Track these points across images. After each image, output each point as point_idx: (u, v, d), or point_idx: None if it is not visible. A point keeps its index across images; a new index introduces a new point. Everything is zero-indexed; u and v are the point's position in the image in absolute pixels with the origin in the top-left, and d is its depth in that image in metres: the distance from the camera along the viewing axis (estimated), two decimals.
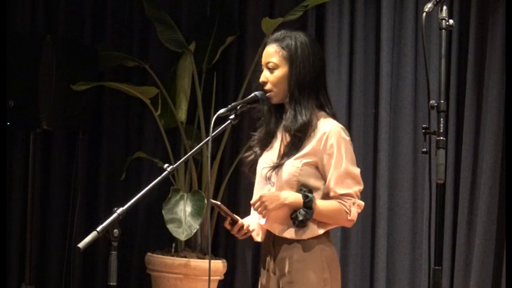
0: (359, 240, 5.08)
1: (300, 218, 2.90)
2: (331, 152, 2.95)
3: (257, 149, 3.11)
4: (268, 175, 3.02)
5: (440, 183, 2.61)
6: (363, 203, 3.00)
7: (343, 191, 2.95)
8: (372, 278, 5.05)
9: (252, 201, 2.96)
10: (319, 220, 2.95)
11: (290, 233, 2.98)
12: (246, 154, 3.17)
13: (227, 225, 3.03)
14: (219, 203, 2.98)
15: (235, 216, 3.03)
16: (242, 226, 3.03)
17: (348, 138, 3.01)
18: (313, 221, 2.96)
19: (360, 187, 2.99)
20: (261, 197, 2.92)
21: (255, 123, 3.16)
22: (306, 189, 2.93)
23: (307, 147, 2.98)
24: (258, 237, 3.09)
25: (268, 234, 3.05)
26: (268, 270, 3.06)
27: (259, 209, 2.92)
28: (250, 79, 4.68)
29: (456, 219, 4.89)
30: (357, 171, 2.99)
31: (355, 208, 2.96)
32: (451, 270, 4.86)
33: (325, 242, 3.01)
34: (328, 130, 2.97)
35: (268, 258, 3.06)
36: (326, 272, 2.99)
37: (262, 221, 3.01)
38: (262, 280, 3.10)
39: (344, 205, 2.94)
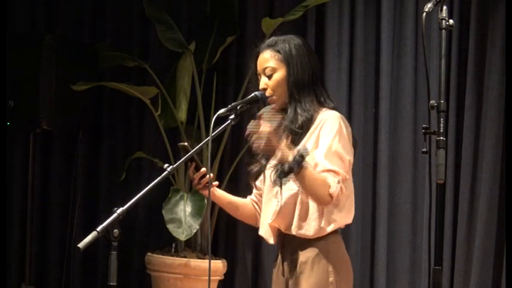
0: (359, 240, 5.08)
1: (286, 168, 2.78)
2: (326, 132, 2.93)
3: (263, 160, 3.09)
4: (274, 177, 3.01)
5: (440, 183, 2.61)
6: (345, 190, 2.91)
7: (330, 166, 2.87)
8: (372, 278, 5.06)
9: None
10: (300, 184, 2.84)
11: (295, 230, 2.97)
12: (251, 167, 3.15)
13: (191, 171, 2.95)
14: (186, 144, 2.93)
15: (200, 163, 2.96)
16: (204, 175, 2.95)
17: (344, 125, 2.97)
18: (319, 216, 2.94)
19: (346, 174, 2.91)
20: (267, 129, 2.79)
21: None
22: (303, 148, 2.84)
23: (307, 136, 2.97)
24: (271, 240, 3.06)
25: (279, 237, 3.05)
26: (277, 273, 3.07)
27: (257, 134, 2.79)
28: (250, 79, 4.68)
29: (456, 219, 4.89)
30: (348, 157, 2.92)
31: (338, 186, 2.86)
32: (451, 270, 4.86)
33: (333, 244, 3.01)
34: (326, 116, 2.98)
35: (278, 261, 3.07)
36: (332, 276, 2.98)
37: (270, 219, 3.01)
38: (273, 282, 3.10)
39: (329, 178, 2.85)
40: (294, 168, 2.77)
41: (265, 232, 3.08)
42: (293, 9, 5.02)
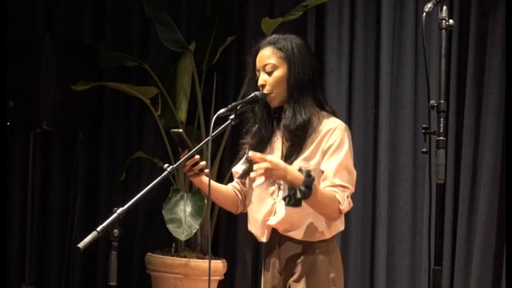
0: (359, 240, 5.08)
1: (299, 195, 2.74)
2: (335, 145, 2.95)
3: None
4: (277, 181, 3.00)
5: (440, 183, 2.61)
6: (352, 204, 2.96)
7: (339, 182, 2.91)
8: (372, 278, 5.06)
9: (256, 158, 2.78)
10: (311, 203, 2.84)
11: (300, 235, 2.98)
12: (241, 166, 3.15)
13: (183, 157, 2.93)
14: (181, 130, 2.93)
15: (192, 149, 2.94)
16: (197, 162, 2.94)
17: (349, 137, 3.01)
18: (325, 224, 2.97)
19: (353, 188, 2.96)
20: (269, 162, 2.76)
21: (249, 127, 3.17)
22: (307, 170, 2.82)
23: (312, 146, 2.98)
24: (263, 238, 3.06)
25: (274, 235, 3.05)
26: (273, 271, 3.06)
27: (260, 171, 2.76)
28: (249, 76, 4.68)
29: (456, 219, 4.89)
30: (354, 172, 2.98)
31: (347, 201, 2.92)
32: (451, 270, 4.86)
33: (331, 243, 3.03)
34: (334, 126, 2.98)
35: (273, 259, 3.06)
36: (333, 273, 3.01)
37: (273, 221, 3.01)
38: (266, 281, 3.09)
39: (338, 194, 2.89)
40: (306, 193, 2.76)
41: (257, 229, 3.08)
42: (293, 9, 5.02)
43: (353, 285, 5.02)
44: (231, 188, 3.20)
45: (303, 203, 2.79)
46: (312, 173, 2.79)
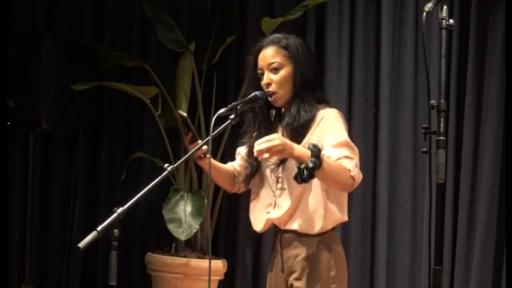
0: (359, 240, 5.08)
1: (310, 165, 2.72)
2: (328, 127, 2.96)
3: (252, 160, 3.10)
4: (275, 174, 3.02)
5: (440, 183, 2.61)
6: (361, 175, 2.93)
7: (343, 154, 2.89)
8: (372, 278, 5.06)
9: (262, 139, 2.80)
10: (323, 178, 2.83)
11: (299, 226, 2.99)
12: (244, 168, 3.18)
13: (188, 141, 2.98)
14: (185, 114, 2.96)
15: (196, 134, 3.00)
16: (200, 147, 2.97)
17: (343, 119, 3.02)
18: (323, 214, 2.97)
19: (358, 160, 2.92)
20: (273, 139, 2.78)
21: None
22: (312, 143, 2.81)
23: (308, 135, 2.99)
24: (258, 227, 3.10)
25: (276, 232, 3.06)
26: (275, 269, 3.07)
27: (264, 146, 2.76)
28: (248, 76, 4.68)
29: (456, 219, 4.89)
30: (355, 147, 2.96)
31: (357, 170, 2.88)
32: (451, 270, 4.86)
33: (333, 240, 3.05)
34: (326, 115, 3.00)
35: (275, 257, 3.08)
36: (333, 270, 3.02)
37: (272, 214, 3.02)
38: (270, 279, 3.11)
39: (345, 163, 2.86)
40: (317, 163, 2.74)
41: (255, 219, 3.11)
42: (293, 9, 5.02)
43: (353, 285, 5.02)
44: (231, 166, 3.23)
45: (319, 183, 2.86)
46: (319, 145, 2.79)
